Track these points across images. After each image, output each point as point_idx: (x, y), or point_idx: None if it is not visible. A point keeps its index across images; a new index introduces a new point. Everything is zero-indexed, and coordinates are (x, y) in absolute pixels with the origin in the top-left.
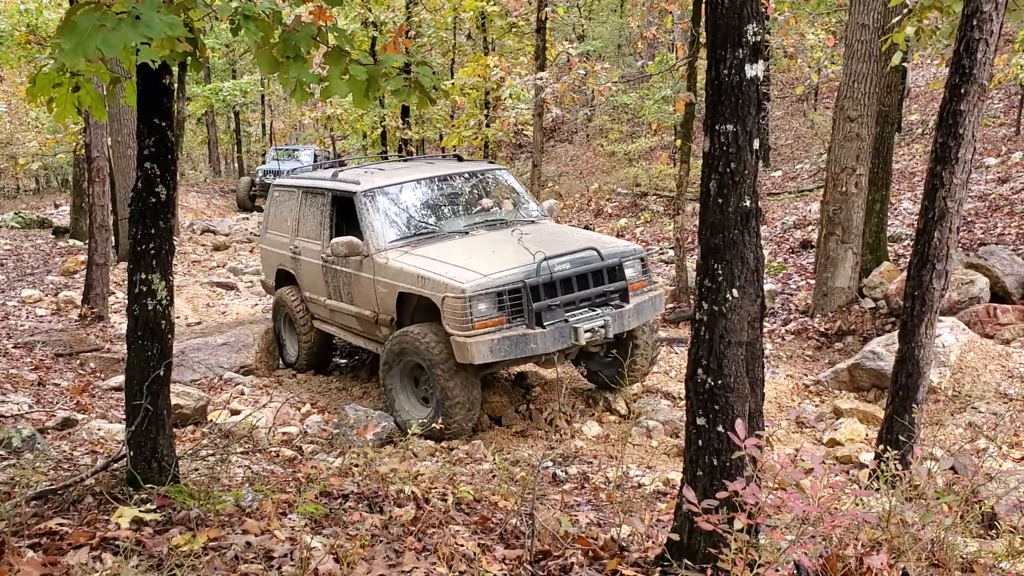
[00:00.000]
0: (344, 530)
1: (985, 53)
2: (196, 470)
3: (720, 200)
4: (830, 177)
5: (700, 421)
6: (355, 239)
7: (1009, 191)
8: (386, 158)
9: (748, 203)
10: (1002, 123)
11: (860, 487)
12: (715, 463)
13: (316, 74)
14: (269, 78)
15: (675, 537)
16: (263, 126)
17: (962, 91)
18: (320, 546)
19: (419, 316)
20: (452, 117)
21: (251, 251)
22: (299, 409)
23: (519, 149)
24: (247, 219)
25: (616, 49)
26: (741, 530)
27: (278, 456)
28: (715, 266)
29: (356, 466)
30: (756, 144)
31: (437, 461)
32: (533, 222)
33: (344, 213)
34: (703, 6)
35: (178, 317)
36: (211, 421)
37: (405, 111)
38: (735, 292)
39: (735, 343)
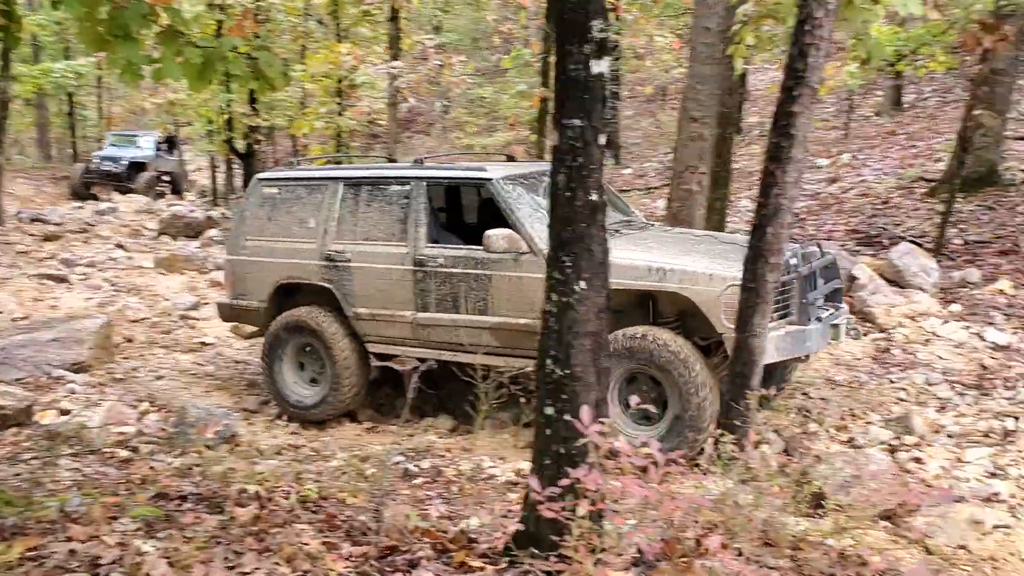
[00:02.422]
0: (180, 533)
1: (816, 57)
2: (17, 475)
3: (568, 194)
4: (675, 175)
5: (548, 411)
6: (514, 233)
7: (838, 190)
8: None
9: (595, 197)
10: (833, 126)
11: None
12: (562, 452)
13: (148, 55)
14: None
15: (523, 526)
16: (99, 110)
17: (795, 94)
18: (153, 550)
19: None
20: (303, 105)
21: (85, 242)
22: (136, 408)
23: (374, 139)
24: (82, 207)
25: (472, 42)
26: (584, 517)
27: (112, 458)
28: (564, 258)
29: (196, 466)
30: (603, 139)
31: (284, 459)
32: (650, 226)
33: (449, 207)
34: (552, 2)
35: (0, 312)
36: (36, 422)
37: (253, 97)
38: (583, 284)
39: (583, 334)
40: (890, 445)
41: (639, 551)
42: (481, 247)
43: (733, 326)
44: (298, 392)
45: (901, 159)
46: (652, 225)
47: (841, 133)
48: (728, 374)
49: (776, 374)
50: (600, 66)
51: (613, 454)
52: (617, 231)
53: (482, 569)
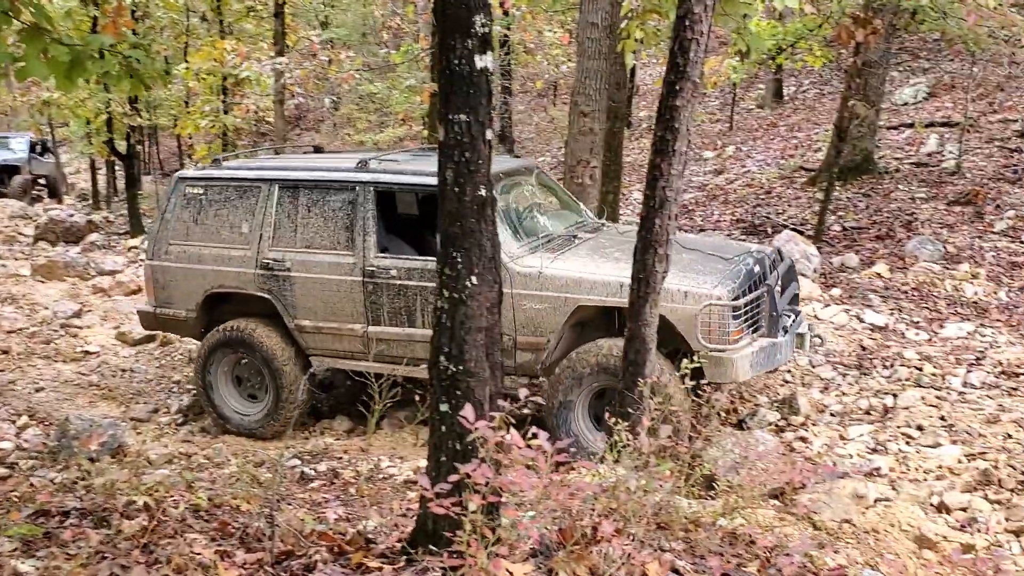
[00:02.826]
0: (62, 550)
1: (696, 52)
2: None
3: (456, 189)
4: (567, 169)
5: (443, 407)
6: None
7: (724, 181)
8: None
9: (484, 192)
10: (718, 119)
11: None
12: (458, 448)
13: (11, 53)
14: None
15: (419, 524)
16: None
17: (677, 87)
18: (32, 570)
19: (570, 336)
20: (187, 104)
21: None
22: (14, 422)
23: (262, 137)
24: None
25: (361, 38)
26: (476, 512)
27: None
28: (454, 254)
29: (80, 480)
30: (489, 134)
31: (176, 468)
32: (602, 227)
33: (395, 213)
34: None
35: None
36: None
37: (134, 96)
38: (474, 279)
39: (475, 329)
40: (777, 426)
41: (537, 541)
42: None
43: (711, 345)
44: (239, 409)
45: (782, 150)
46: (604, 225)
47: (726, 126)
48: (622, 364)
49: None
50: (484, 60)
51: (503, 448)
52: (574, 237)
53: (380, 569)
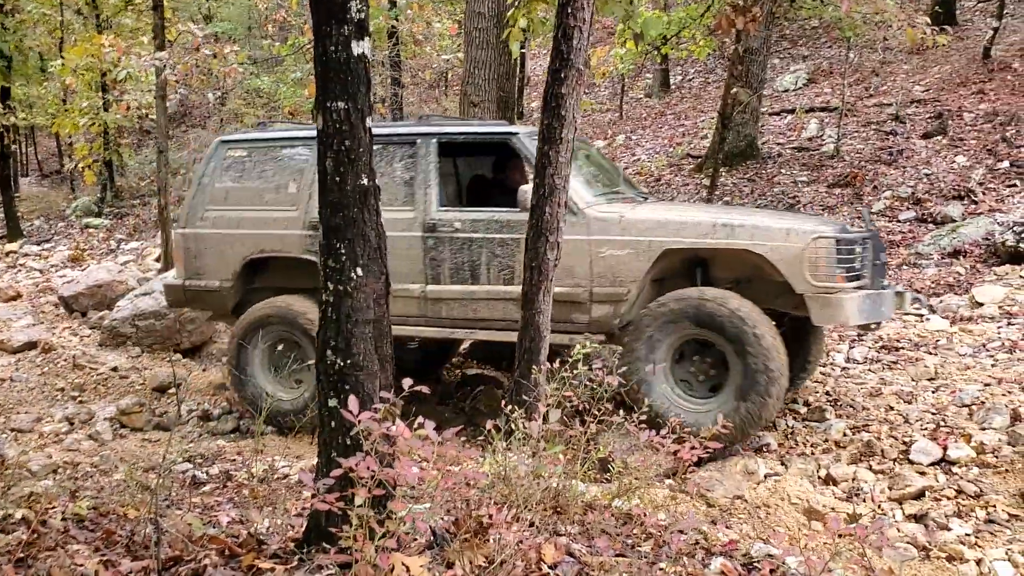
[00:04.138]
0: None
1: (580, 40)
2: None
3: (337, 179)
4: None
5: (332, 402)
6: None
7: None
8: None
9: (366, 181)
10: (608, 109)
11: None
12: (348, 443)
13: None
14: None
15: (312, 522)
16: None
17: (562, 75)
18: None
19: (648, 292)
20: (65, 101)
21: None
22: None
23: (146, 135)
24: None
25: (247, 31)
26: (362, 505)
27: None
28: (338, 245)
29: None
30: (369, 122)
31: (60, 478)
32: (645, 199)
33: (464, 168)
34: None
35: None
36: None
37: (6, 93)
38: (359, 271)
39: (362, 322)
40: None
41: (433, 533)
42: (505, 208)
43: (819, 283)
44: (276, 395)
45: (671, 138)
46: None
47: (616, 115)
48: (517, 352)
49: (799, 361)
50: (361, 46)
51: (389, 440)
52: (643, 197)
53: (272, 570)
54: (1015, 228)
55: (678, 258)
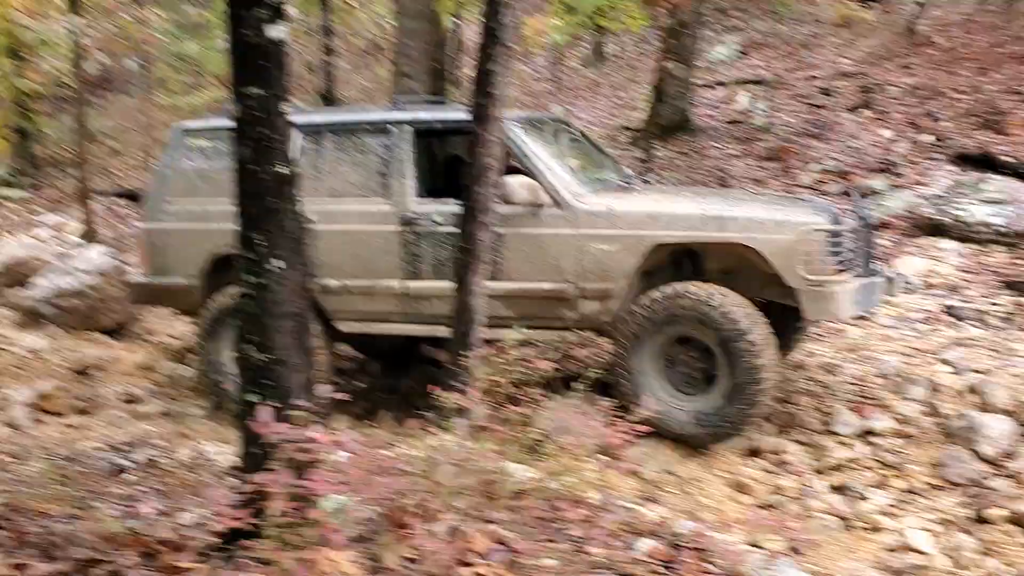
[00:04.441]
0: None
1: (509, 16)
2: None
3: (254, 167)
4: None
5: (252, 397)
6: (535, 182)
7: None
8: None
9: (283, 169)
10: (545, 79)
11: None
12: (264, 451)
13: None
14: None
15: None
16: None
17: (490, 52)
18: None
19: (636, 285)
20: None
21: None
22: None
23: (63, 102)
24: None
25: None
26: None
27: None
28: (255, 236)
29: None
30: (287, 108)
31: None
32: (650, 182)
33: (440, 157)
34: None
35: None
36: None
37: None
38: (279, 262)
39: (283, 315)
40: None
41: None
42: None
43: (812, 276)
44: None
45: (607, 110)
46: (649, 181)
47: (552, 86)
48: (452, 335)
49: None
50: (278, 30)
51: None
52: (631, 184)
53: (192, 570)
54: (935, 202)
55: (668, 250)
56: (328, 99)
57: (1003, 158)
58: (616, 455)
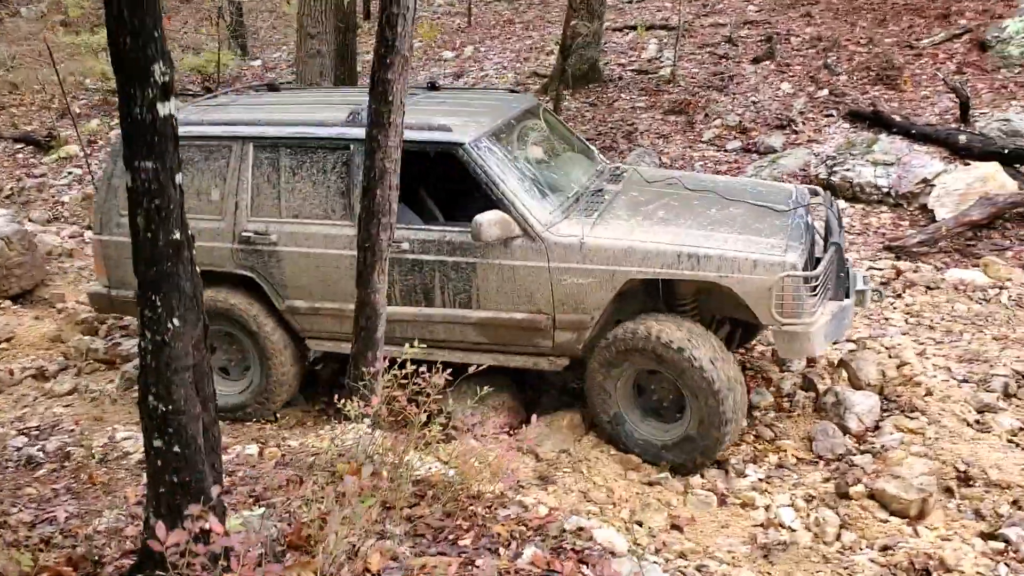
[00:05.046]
0: None
1: (404, 26)
2: None
3: (149, 235)
4: None
5: (157, 443)
6: (506, 216)
7: (463, 86)
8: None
9: (178, 235)
10: (458, 12)
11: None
12: (176, 480)
13: None
14: None
15: (144, 550)
16: None
17: (388, 61)
18: None
19: (609, 308)
20: None
21: None
22: None
23: None
24: None
25: None
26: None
27: None
28: (154, 298)
29: None
30: (179, 178)
31: None
32: (621, 173)
33: (400, 180)
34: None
35: None
36: None
37: None
38: (176, 321)
39: (182, 368)
40: None
41: (265, 546)
42: (456, 227)
43: (786, 320)
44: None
45: (518, 52)
46: (624, 171)
47: (464, 21)
48: (354, 331)
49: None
50: (167, 108)
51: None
52: (601, 191)
53: None
54: (827, 161)
55: (638, 280)
56: (237, 36)
57: (893, 116)
58: (517, 433)
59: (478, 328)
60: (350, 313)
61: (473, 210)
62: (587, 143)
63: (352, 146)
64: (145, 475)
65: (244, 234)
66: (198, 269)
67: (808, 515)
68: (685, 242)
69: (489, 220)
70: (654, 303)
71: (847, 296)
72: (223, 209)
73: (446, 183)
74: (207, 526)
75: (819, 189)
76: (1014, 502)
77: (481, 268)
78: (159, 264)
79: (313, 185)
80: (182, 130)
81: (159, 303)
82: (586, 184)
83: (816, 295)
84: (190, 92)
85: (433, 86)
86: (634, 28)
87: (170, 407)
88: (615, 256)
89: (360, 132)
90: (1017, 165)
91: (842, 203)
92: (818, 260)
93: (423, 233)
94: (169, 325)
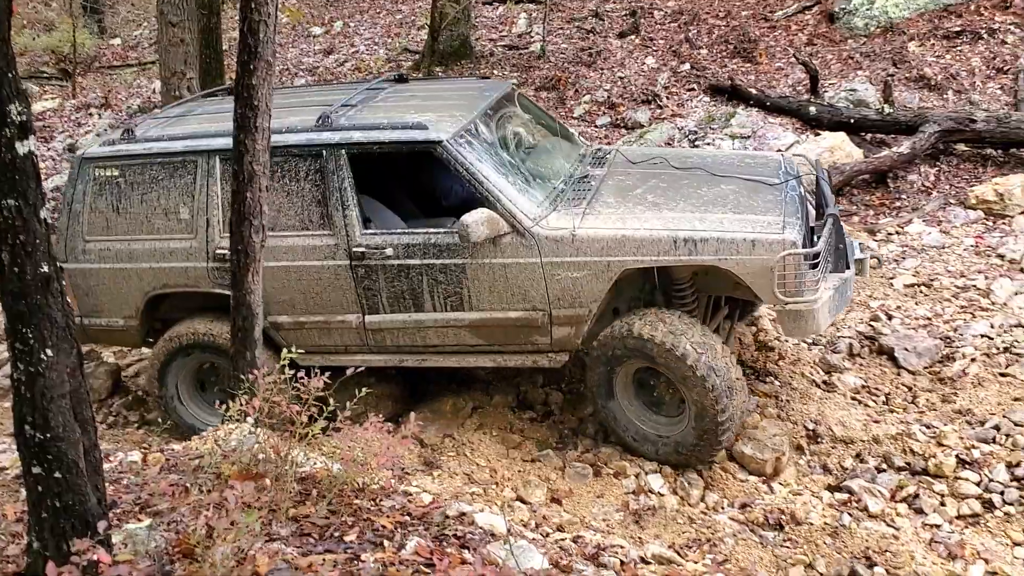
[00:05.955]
0: None
1: (266, 33)
2: None
3: (16, 269)
4: (162, 83)
5: (36, 470)
6: (493, 213)
7: (334, 63)
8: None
9: (46, 268)
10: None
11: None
12: (59, 505)
13: None
14: None
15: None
16: None
17: (251, 67)
18: None
19: (606, 299)
20: None
21: None
22: None
23: None
24: None
25: None
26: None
27: None
28: (24, 330)
29: None
30: (43, 213)
31: None
32: (604, 156)
33: (376, 180)
34: None
35: None
36: None
37: None
38: (49, 352)
39: (58, 397)
40: None
41: (153, 560)
42: (442, 228)
43: (789, 298)
44: (205, 420)
45: (388, 27)
46: (607, 153)
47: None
48: (231, 331)
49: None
50: (26, 146)
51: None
52: (586, 177)
53: None
54: (690, 135)
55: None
56: (95, 11)
57: (749, 90)
58: (405, 421)
59: (472, 330)
60: (337, 325)
61: (454, 204)
62: (563, 124)
63: (325, 152)
64: (26, 498)
65: (219, 252)
66: (70, 302)
67: (675, 480)
68: (680, 227)
69: (476, 220)
70: (651, 289)
71: (847, 267)
72: (194, 227)
73: (423, 177)
74: (95, 557)
75: (807, 157)
76: (857, 455)
77: (471, 269)
78: (28, 297)
79: (287, 195)
80: (142, 147)
81: (30, 335)
82: (571, 171)
83: (818, 270)
84: (44, 74)
85: (401, 78)
86: (504, 1)
87: (48, 435)
88: (608, 246)
89: (333, 136)
90: (863, 133)
91: None
92: (813, 231)
93: (407, 237)
94: (43, 356)
